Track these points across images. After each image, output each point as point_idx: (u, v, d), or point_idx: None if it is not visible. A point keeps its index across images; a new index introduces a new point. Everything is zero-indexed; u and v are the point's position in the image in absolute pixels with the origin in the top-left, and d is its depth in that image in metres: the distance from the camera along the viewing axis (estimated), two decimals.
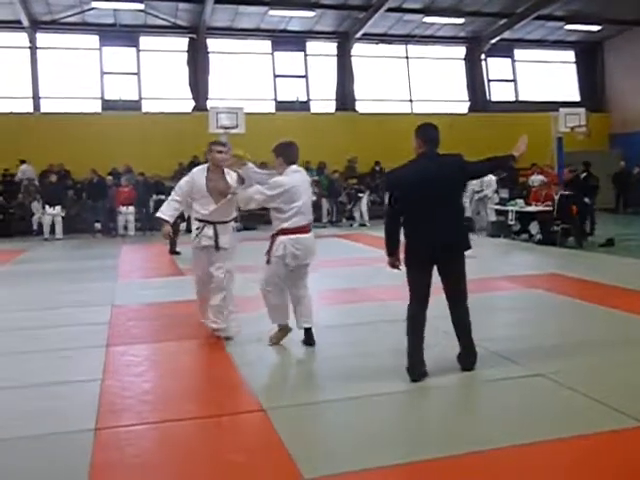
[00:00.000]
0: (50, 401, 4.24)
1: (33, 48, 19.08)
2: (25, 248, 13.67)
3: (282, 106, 20.67)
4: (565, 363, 4.67)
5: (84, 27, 19.36)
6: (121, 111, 19.10)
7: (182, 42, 20.36)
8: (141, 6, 17.80)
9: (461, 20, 20.42)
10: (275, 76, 21.10)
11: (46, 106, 19.09)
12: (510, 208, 13.30)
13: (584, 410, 3.84)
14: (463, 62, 22.83)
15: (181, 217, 5.95)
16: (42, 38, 19.25)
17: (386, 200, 5.26)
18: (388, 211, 4.59)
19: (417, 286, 4.45)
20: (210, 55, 20.33)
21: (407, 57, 22.32)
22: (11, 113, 18.46)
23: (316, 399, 4.21)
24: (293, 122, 18.73)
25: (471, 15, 20.39)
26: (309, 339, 5.32)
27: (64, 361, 5.16)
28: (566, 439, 3.42)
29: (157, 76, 20.11)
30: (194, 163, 15.05)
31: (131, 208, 16.26)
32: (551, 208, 12.02)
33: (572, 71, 24.13)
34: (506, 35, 21.76)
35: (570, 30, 22.04)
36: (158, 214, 5.68)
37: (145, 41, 20.13)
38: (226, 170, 5.55)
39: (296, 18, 19.75)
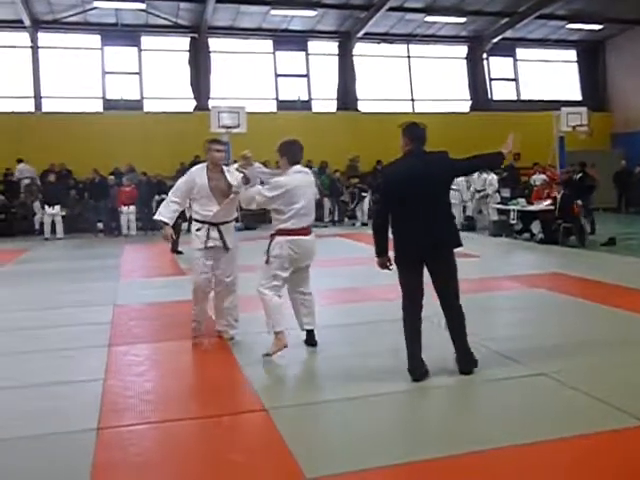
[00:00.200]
0: (52, 401, 4.25)
1: (35, 48, 19.08)
2: (27, 248, 13.69)
3: (284, 105, 20.67)
4: (567, 362, 4.67)
5: (86, 27, 19.36)
6: (123, 111, 19.11)
7: (184, 42, 20.36)
8: (143, 6, 17.81)
9: (463, 19, 20.40)
10: (277, 75, 21.09)
11: (48, 106, 19.09)
12: (512, 207, 13.28)
13: (586, 409, 3.84)
14: (465, 61, 22.81)
15: (182, 217, 5.86)
16: (44, 38, 19.25)
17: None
18: (376, 209, 4.58)
19: (409, 285, 4.44)
20: (212, 55, 20.32)
21: (409, 56, 22.30)
22: (13, 113, 18.45)
23: (318, 399, 4.21)
24: (295, 121, 18.72)
25: (473, 14, 20.37)
26: (311, 339, 5.32)
27: (66, 361, 5.17)
28: (567, 438, 3.41)
29: (159, 76, 20.09)
30: (196, 163, 15.02)
31: (132, 208, 16.25)
32: (553, 207, 12.01)
33: (574, 70, 24.09)
34: (508, 34, 21.72)
35: (572, 29, 22.00)
36: (157, 216, 5.51)
37: (147, 41, 20.13)
38: (225, 169, 5.48)
39: (298, 17, 19.75)
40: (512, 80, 23.41)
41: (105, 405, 4.11)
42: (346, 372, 4.63)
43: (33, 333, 6.08)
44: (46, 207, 15.55)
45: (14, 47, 19.21)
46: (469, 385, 4.35)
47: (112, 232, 16.38)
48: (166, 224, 5.47)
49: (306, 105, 21.13)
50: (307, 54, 21.43)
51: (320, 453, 3.38)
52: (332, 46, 21.54)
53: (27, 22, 18.38)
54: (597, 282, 7.92)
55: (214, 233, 5.37)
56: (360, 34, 20.67)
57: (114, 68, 19.81)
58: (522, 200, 13.39)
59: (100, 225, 16.65)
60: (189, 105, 19.98)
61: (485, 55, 22.74)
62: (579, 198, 11.94)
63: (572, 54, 24.10)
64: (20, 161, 17.27)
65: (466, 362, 4.47)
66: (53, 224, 15.50)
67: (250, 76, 20.65)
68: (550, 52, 23.73)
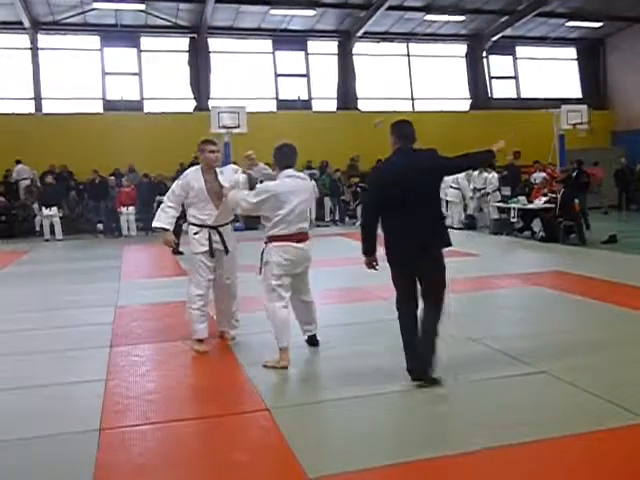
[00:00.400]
0: (54, 401, 4.25)
1: (34, 49, 19.10)
2: (28, 249, 13.69)
3: (284, 105, 20.68)
4: (569, 360, 4.67)
5: (85, 28, 19.38)
6: (123, 111, 19.13)
7: (183, 42, 20.38)
8: (142, 6, 17.83)
9: (462, 18, 20.41)
10: (276, 75, 21.11)
11: (48, 107, 19.12)
12: (512, 205, 13.28)
13: (587, 407, 3.84)
14: (464, 60, 22.81)
15: (182, 217, 5.78)
16: (43, 39, 19.28)
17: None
18: (364, 208, 4.55)
19: (401, 284, 4.42)
20: (211, 55, 20.34)
21: (408, 55, 22.31)
22: (13, 114, 18.49)
23: (320, 398, 4.22)
24: (295, 121, 18.74)
25: (472, 12, 20.39)
26: (313, 339, 5.31)
27: (68, 362, 5.17)
28: (569, 436, 3.42)
29: (158, 76, 20.13)
30: (195, 163, 15.03)
31: (131, 209, 16.23)
32: (553, 205, 12.00)
33: (574, 68, 24.09)
34: (507, 32, 21.74)
35: (572, 27, 22.01)
36: (156, 224, 5.35)
37: (146, 41, 20.15)
38: (218, 170, 5.35)
39: (297, 17, 19.77)
40: (512, 78, 23.43)
41: (107, 406, 4.11)
42: (347, 372, 4.64)
43: (35, 334, 6.09)
44: (43, 208, 15.49)
45: (14, 49, 19.23)
46: (469, 384, 4.34)
47: (112, 233, 16.39)
48: (166, 230, 5.34)
49: (306, 104, 21.14)
50: (307, 54, 21.44)
51: (322, 452, 3.38)
52: (332, 45, 21.55)
53: (27, 24, 18.40)
54: (598, 280, 7.92)
55: (214, 236, 5.27)
56: (360, 33, 20.69)
57: (114, 69, 19.84)
58: (522, 198, 13.37)
59: (100, 226, 16.65)
60: (189, 105, 20.00)
61: (485, 53, 22.75)
62: (577, 196, 11.95)
63: (572, 52, 24.10)
64: (18, 162, 17.29)
65: (418, 364, 4.26)
66: (52, 225, 15.48)
67: (250, 76, 20.68)
68: (550, 50, 23.74)
